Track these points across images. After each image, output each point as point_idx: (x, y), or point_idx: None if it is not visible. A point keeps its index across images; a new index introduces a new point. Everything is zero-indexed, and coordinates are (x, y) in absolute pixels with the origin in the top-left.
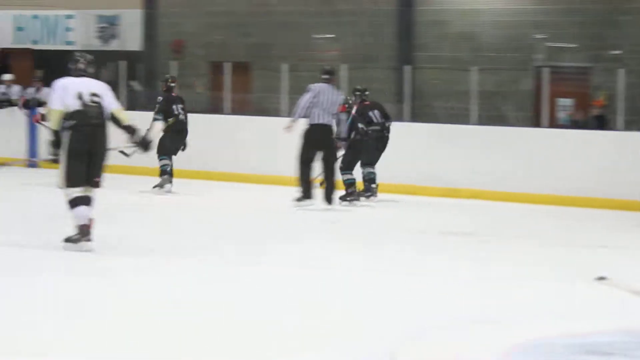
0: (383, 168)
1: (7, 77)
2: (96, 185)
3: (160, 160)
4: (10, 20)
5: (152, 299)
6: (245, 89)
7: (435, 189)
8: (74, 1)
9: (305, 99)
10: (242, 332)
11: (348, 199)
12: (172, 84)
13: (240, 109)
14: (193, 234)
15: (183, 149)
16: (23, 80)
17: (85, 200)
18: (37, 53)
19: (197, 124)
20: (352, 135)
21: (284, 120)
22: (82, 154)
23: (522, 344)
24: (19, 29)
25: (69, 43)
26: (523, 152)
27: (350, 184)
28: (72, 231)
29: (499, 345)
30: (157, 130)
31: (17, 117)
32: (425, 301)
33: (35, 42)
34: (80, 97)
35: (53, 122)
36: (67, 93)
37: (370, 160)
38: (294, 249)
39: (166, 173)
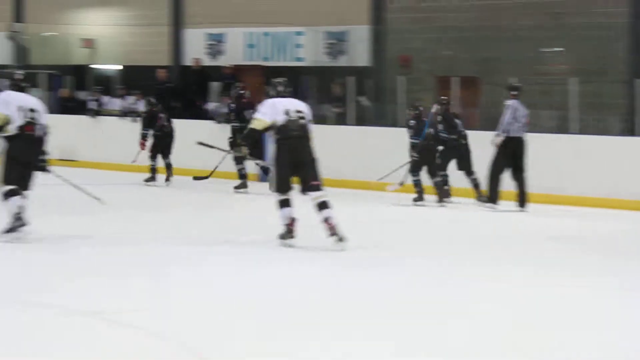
0: (602, 182)
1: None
2: (316, 188)
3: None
4: (241, 38)
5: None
6: (473, 103)
7: None
8: (304, 18)
9: (508, 116)
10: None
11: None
12: (242, 92)
13: (468, 123)
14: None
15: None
16: (254, 97)
17: (291, 203)
18: (267, 69)
19: None
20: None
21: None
22: (288, 164)
23: None
24: (250, 46)
25: (298, 59)
26: None
27: (416, 184)
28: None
29: None
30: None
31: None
32: None
33: (265, 59)
34: (287, 113)
35: (257, 124)
36: (275, 110)
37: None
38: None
39: (244, 177)
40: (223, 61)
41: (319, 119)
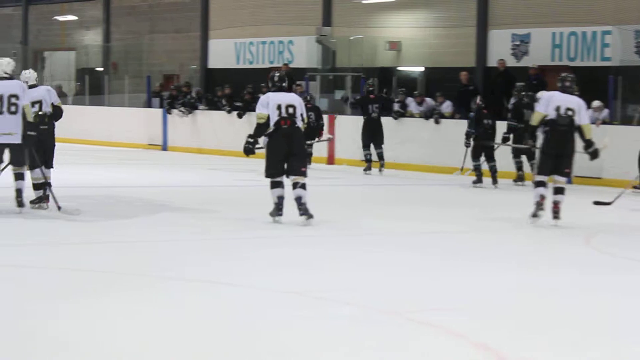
0: None
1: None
2: (567, 175)
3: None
4: (549, 38)
5: None
6: None
7: None
8: (611, 16)
9: None
10: None
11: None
12: (371, 89)
13: None
14: None
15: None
16: None
17: (546, 185)
18: (573, 70)
19: None
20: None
21: None
22: (550, 153)
23: None
24: (557, 46)
25: (605, 59)
26: None
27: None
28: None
29: None
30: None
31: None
32: None
33: (571, 59)
34: (557, 109)
35: (533, 119)
36: (550, 103)
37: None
38: None
39: (368, 161)
40: (527, 62)
41: (625, 119)
